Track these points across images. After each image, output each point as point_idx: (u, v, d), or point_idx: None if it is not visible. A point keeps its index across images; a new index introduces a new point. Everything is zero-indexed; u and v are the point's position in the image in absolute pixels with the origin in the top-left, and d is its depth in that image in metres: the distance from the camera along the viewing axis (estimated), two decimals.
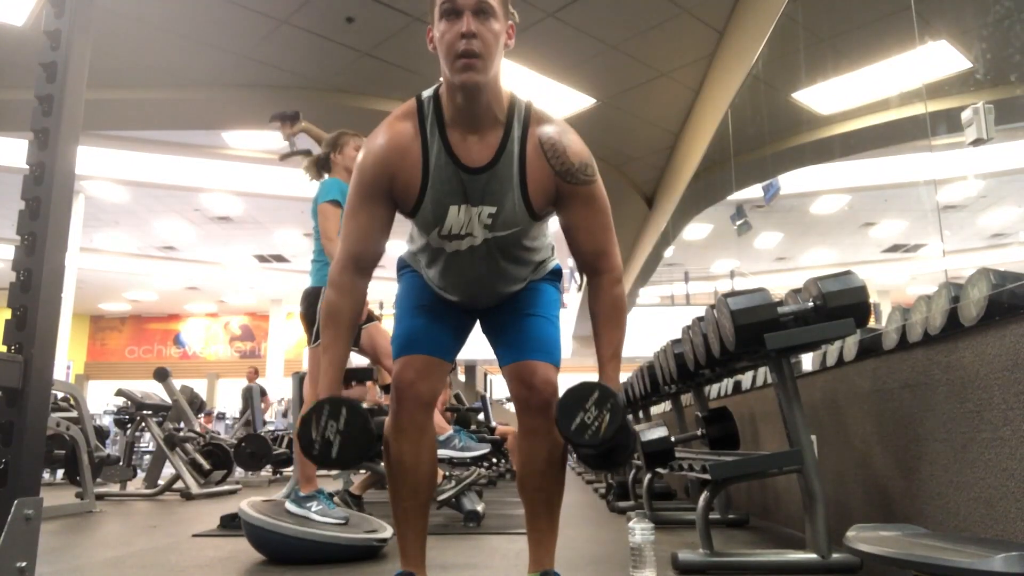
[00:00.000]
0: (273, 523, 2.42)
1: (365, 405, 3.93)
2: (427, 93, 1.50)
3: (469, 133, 1.45)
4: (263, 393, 9.60)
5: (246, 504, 2.52)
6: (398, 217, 1.56)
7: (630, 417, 5.50)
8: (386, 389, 4.47)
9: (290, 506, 2.58)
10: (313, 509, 2.57)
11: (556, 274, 1.75)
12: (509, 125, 1.46)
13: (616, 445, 1.40)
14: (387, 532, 2.57)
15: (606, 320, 1.53)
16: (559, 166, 1.45)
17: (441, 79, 1.46)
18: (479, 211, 1.48)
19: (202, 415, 8.81)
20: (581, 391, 1.39)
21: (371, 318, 3.21)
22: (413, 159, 1.45)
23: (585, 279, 1.57)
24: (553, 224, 1.69)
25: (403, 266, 1.75)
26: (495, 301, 1.68)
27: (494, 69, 1.41)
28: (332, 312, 1.49)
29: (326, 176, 3.16)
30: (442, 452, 3.11)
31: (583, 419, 1.37)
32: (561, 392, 1.46)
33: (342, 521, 2.57)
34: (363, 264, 1.50)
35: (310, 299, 2.88)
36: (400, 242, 1.74)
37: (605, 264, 1.52)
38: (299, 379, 3.39)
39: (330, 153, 3.12)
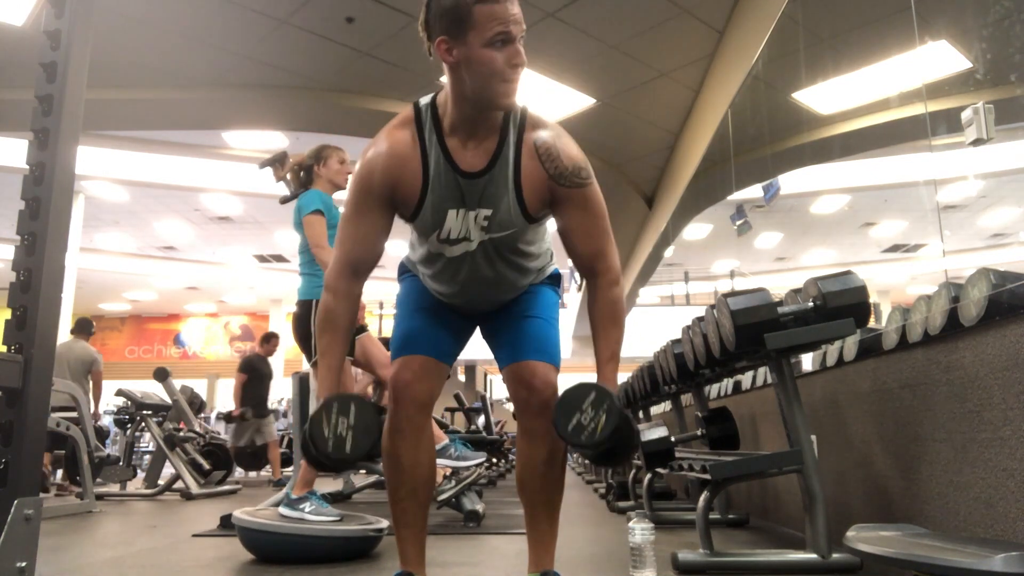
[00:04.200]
0: (268, 524, 2.42)
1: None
2: (424, 101, 1.51)
3: (468, 140, 1.47)
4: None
5: (239, 512, 2.53)
6: (398, 219, 1.57)
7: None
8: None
9: (284, 510, 2.59)
10: (307, 510, 2.57)
11: (555, 279, 1.76)
12: (505, 130, 1.47)
13: (616, 444, 1.39)
14: (383, 523, 2.56)
15: (604, 321, 1.53)
16: (553, 169, 1.46)
17: (444, 89, 1.47)
18: (476, 214, 1.49)
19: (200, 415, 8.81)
20: (578, 392, 1.39)
21: (362, 328, 3.22)
22: (413, 166, 1.47)
23: (584, 281, 1.58)
24: (552, 227, 1.69)
25: (404, 271, 1.77)
26: (492, 306, 1.68)
27: None
28: (329, 317, 1.51)
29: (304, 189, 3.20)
30: (437, 463, 3.12)
31: (580, 420, 1.37)
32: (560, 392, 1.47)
33: (337, 518, 2.58)
34: (360, 269, 1.52)
35: (302, 310, 2.88)
36: (401, 242, 1.75)
37: (602, 266, 1.53)
38: (299, 379, 3.39)
39: (313, 165, 3.15)
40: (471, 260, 1.55)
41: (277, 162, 3.54)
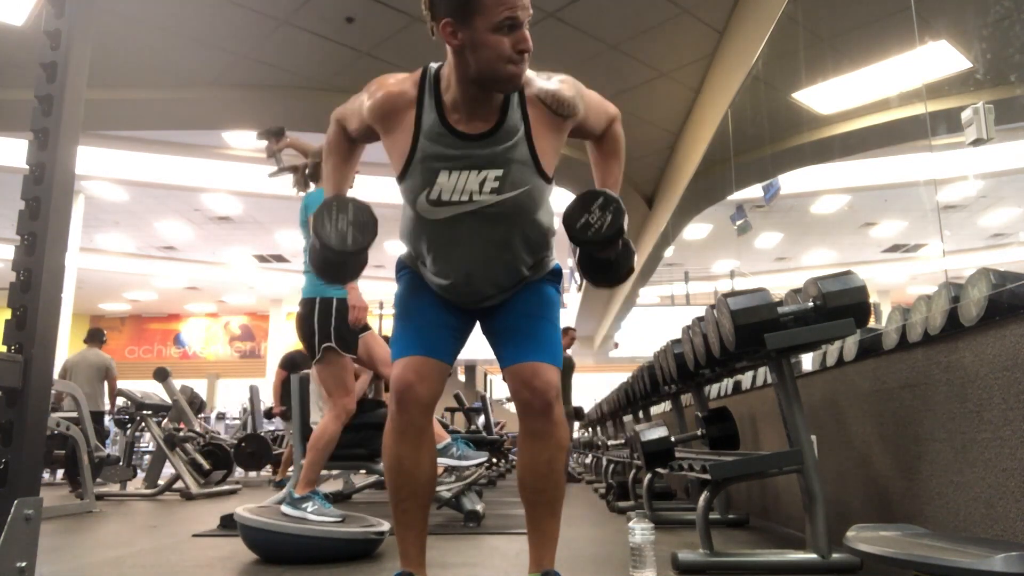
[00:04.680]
0: (271, 523, 2.42)
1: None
2: (434, 66, 1.52)
3: (470, 116, 1.47)
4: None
5: (241, 510, 2.52)
6: (395, 216, 1.57)
7: (629, 418, 5.52)
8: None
9: (286, 508, 2.59)
10: (309, 509, 2.57)
11: (556, 274, 1.74)
12: (507, 97, 1.48)
13: (618, 255, 1.59)
14: (384, 526, 2.56)
15: (609, 152, 1.69)
16: (566, 111, 1.53)
17: (448, 65, 1.46)
18: (482, 176, 1.49)
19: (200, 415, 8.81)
20: (587, 196, 1.54)
21: (365, 327, 3.21)
22: (405, 120, 1.49)
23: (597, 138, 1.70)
24: (554, 223, 1.69)
25: (402, 267, 1.75)
26: (492, 287, 1.64)
27: None
28: (330, 145, 1.68)
29: (313, 187, 3.18)
30: (439, 461, 3.12)
31: (588, 219, 1.52)
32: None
33: (339, 519, 2.57)
34: (348, 134, 1.66)
35: (306, 308, 2.88)
36: (400, 242, 1.74)
37: (611, 118, 1.67)
38: (299, 380, 3.39)
39: (319, 163, 3.14)
40: (472, 223, 1.53)
41: (273, 135, 3.52)
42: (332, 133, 1.68)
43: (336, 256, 1.52)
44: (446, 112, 1.47)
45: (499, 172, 1.48)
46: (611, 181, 1.68)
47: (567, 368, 6.88)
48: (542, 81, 1.52)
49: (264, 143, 3.61)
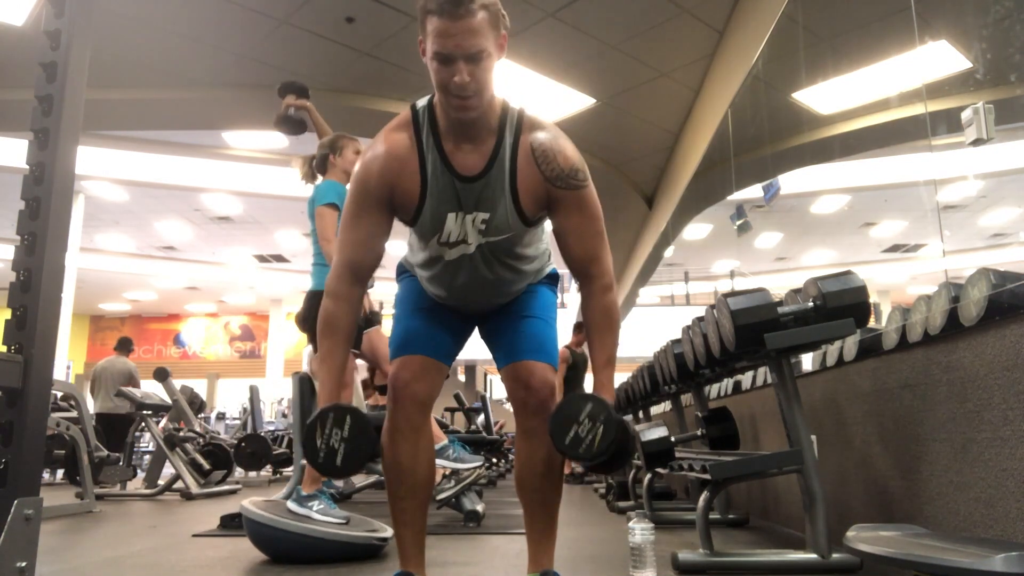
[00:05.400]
0: (275, 520, 2.42)
1: (366, 404, 3.92)
2: (422, 103, 1.50)
3: (463, 142, 1.46)
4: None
5: (247, 502, 2.53)
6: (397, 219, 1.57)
7: (629, 418, 5.51)
8: (383, 390, 4.47)
9: (291, 505, 2.59)
10: (315, 508, 2.57)
11: (552, 278, 1.76)
12: (501, 133, 1.46)
13: (613, 454, 1.40)
14: (388, 532, 2.57)
15: (598, 327, 1.53)
16: (549, 171, 1.46)
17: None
18: (473, 217, 1.48)
19: (200, 415, 8.79)
20: (574, 404, 1.40)
21: (372, 322, 3.20)
22: (411, 169, 1.46)
23: (579, 285, 1.58)
24: (550, 226, 1.69)
25: (402, 271, 1.77)
26: (491, 307, 1.69)
27: (488, 97, 1.41)
28: (330, 321, 1.50)
29: (320, 178, 3.16)
30: (436, 463, 3.13)
31: (576, 433, 1.38)
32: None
33: (343, 520, 2.57)
34: (360, 273, 1.51)
35: (311, 301, 2.88)
36: (401, 242, 1.75)
37: (596, 270, 1.53)
38: (299, 379, 3.39)
39: (328, 155, 3.12)
40: (469, 263, 1.55)
41: (296, 91, 3.47)
42: (335, 287, 1.48)
43: (324, 472, 1.40)
44: (442, 139, 1.46)
45: (486, 215, 1.48)
46: (602, 363, 1.52)
47: (579, 366, 6.89)
48: (545, 132, 1.48)
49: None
